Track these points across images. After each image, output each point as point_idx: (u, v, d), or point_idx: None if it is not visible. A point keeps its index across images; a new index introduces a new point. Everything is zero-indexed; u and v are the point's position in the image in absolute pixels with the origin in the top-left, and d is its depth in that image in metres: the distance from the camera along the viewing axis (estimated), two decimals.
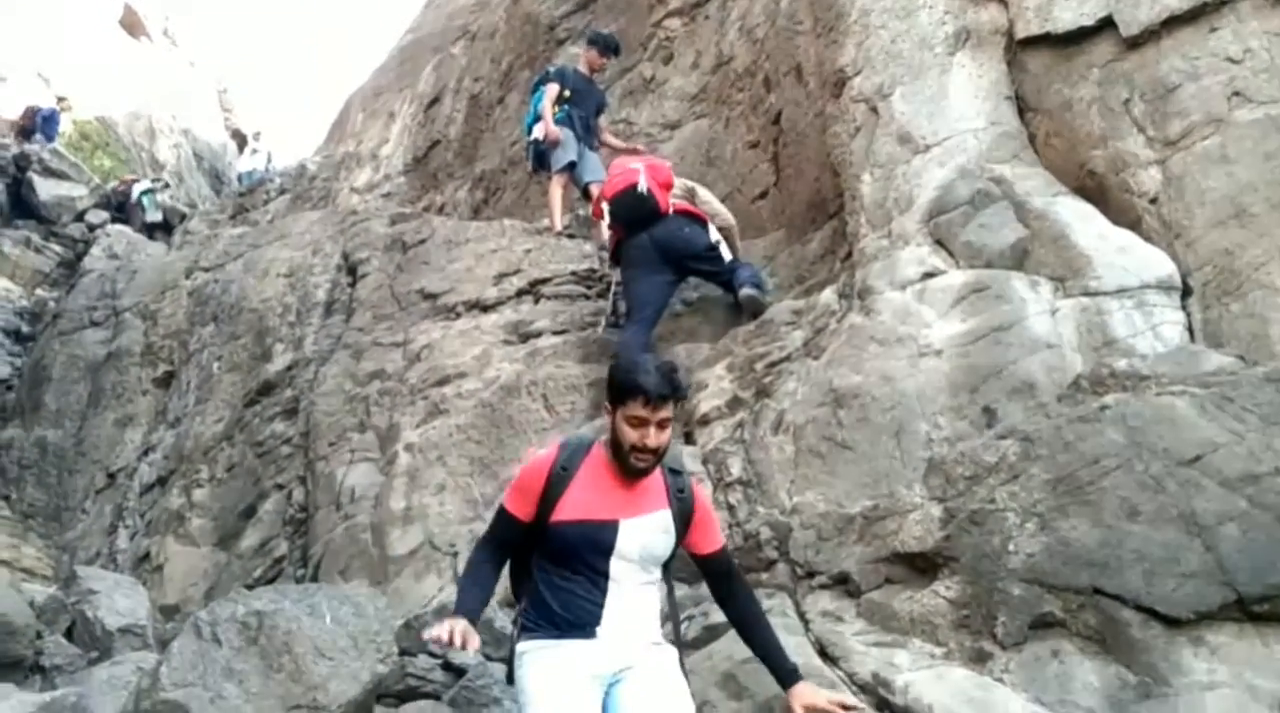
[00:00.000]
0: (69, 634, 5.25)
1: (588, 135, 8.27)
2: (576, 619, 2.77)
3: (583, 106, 8.24)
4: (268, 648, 3.34)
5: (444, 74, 14.10)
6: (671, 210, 6.10)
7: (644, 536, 2.80)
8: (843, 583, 3.94)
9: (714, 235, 6.07)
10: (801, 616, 3.92)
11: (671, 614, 3.03)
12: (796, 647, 3.63)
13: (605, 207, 6.17)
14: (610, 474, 2.82)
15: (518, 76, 11.51)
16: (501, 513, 2.90)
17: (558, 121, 8.07)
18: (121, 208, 16.70)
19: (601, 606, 2.77)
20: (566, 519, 2.77)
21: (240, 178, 21.26)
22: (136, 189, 17.07)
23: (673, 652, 2.92)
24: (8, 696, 4.07)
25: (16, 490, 9.94)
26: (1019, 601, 3.36)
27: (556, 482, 2.79)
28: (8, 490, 9.97)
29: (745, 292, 5.81)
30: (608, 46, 8.39)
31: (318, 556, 6.33)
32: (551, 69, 8.65)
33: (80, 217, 15.97)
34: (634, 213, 6.08)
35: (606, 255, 6.75)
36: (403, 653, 4.22)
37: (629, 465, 2.75)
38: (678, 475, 2.95)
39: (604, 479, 2.82)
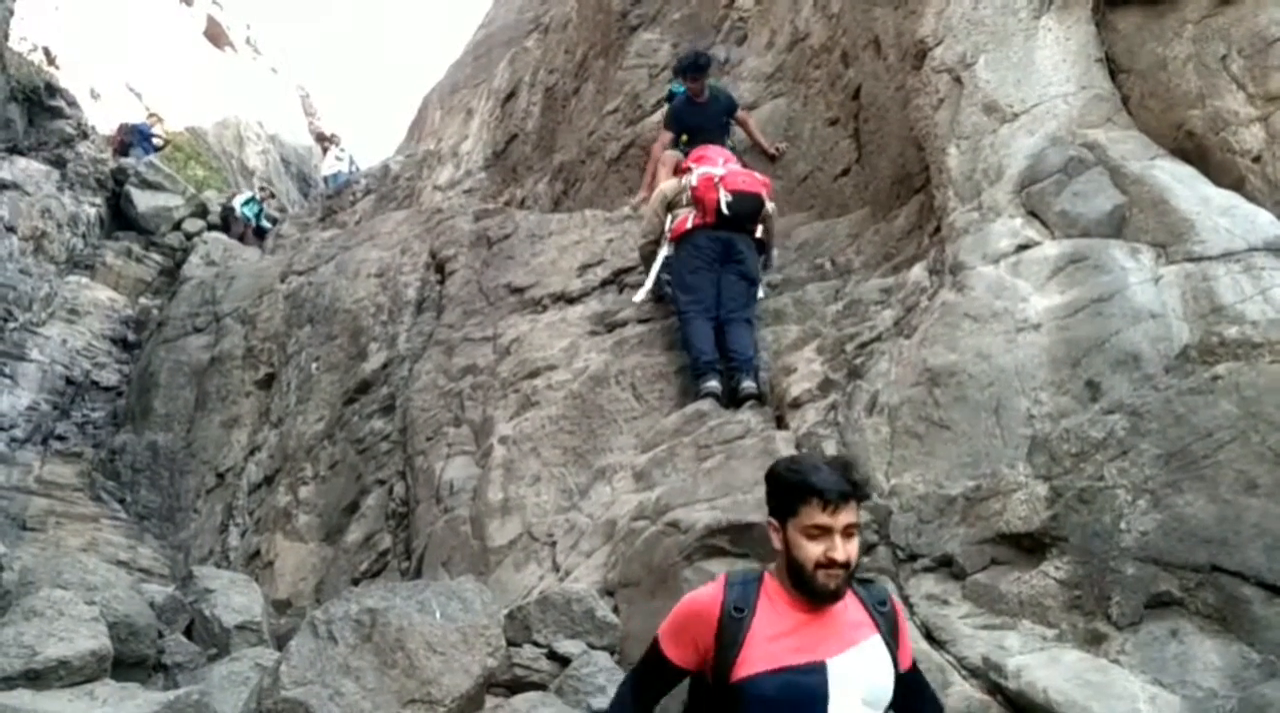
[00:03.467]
0: (188, 633, 5.46)
1: None
2: None
3: (703, 138, 7.86)
4: (381, 645, 3.44)
5: (519, 68, 14.22)
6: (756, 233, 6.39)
7: (862, 674, 2.23)
8: (946, 565, 3.89)
9: (762, 277, 6.42)
10: (905, 599, 3.87)
11: None
12: None
13: (724, 194, 6.19)
14: (795, 607, 2.27)
15: (592, 66, 11.54)
16: (654, 654, 2.37)
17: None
18: (226, 221, 17.23)
19: None
20: (758, 672, 2.19)
21: (326, 181, 21.79)
22: (239, 200, 17.65)
23: None
24: (133, 695, 4.22)
25: (131, 493, 10.37)
26: (1133, 580, 3.28)
27: (731, 627, 2.24)
28: (123, 494, 10.41)
29: (748, 385, 5.73)
30: (680, 70, 8.09)
31: (420, 548, 6.47)
32: (669, 103, 8.47)
33: (178, 226, 16.53)
34: (740, 215, 6.23)
35: (646, 232, 6.68)
36: (509, 643, 4.30)
37: (817, 588, 2.22)
38: (870, 585, 2.43)
39: (790, 614, 2.26)
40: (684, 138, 8.01)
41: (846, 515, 2.20)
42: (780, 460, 2.42)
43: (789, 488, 2.26)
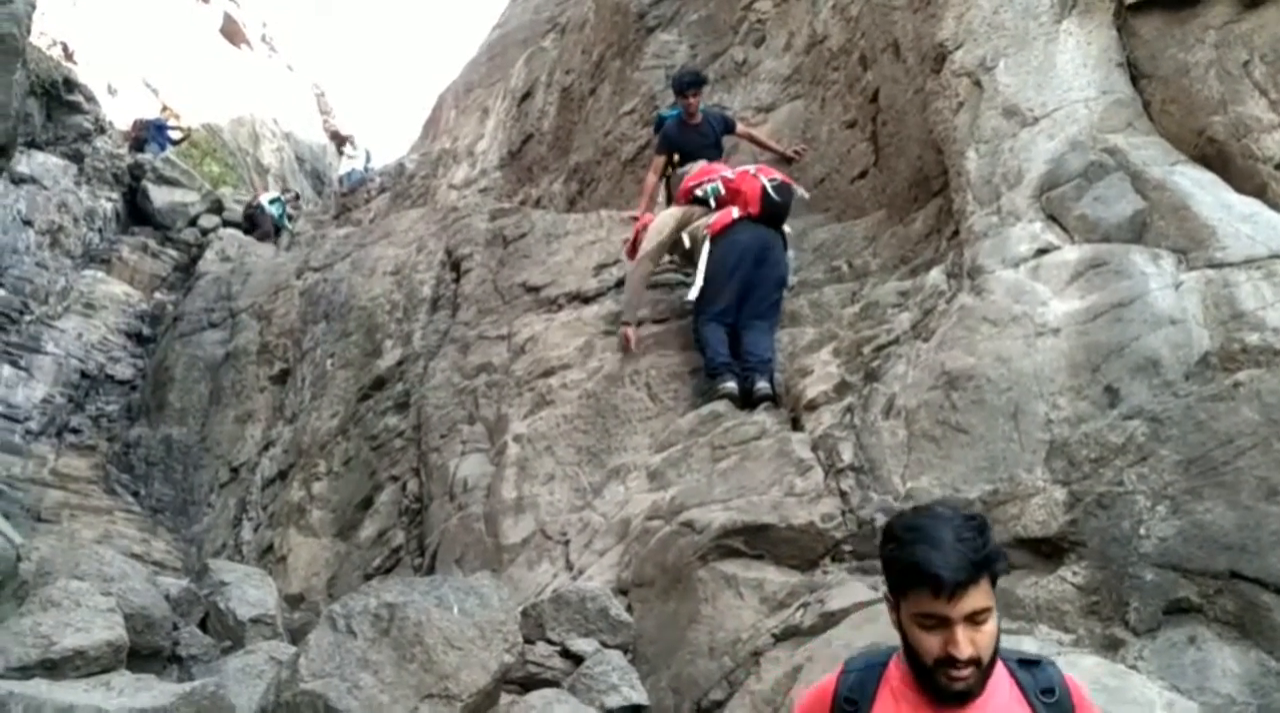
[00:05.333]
0: (203, 625, 5.49)
1: None
2: None
3: (697, 159, 7.73)
4: (400, 639, 3.45)
5: (535, 68, 14.24)
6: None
7: None
8: None
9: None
10: None
11: None
12: None
13: (766, 182, 6.17)
14: (924, 696, 1.81)
15: (609, 67, 11.55)
16: None
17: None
18: (252, 219, 17.21)
19: None
20: None
21: (341, 179, 21.89)
22: (265, 198, 17.73)
23: None
24: (149, 686, 4.25)
25: (145, 487, 10.44)
26: (1152, 586, 3.28)
27: None
28: (137, 487, 10.48)
29: (762, 387, 5.65)
30: (677, 87, 7.88)
31: (434, 545, 6.49)
32: (658, 123, 8.30)
33: (193, 221, 16.62)
34: (778, 206, 6.21)
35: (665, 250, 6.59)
36: (524, 640, 4.31)
37: (940, 689, 1.76)
38: (1035, 667, 1.89)
39: (916, 706, 1.82)
40: (675, 158, 7.92)
41: (973, 600, 1.72)
42: (898, 518, 1.88)
43: (895, 566, 1.80)
